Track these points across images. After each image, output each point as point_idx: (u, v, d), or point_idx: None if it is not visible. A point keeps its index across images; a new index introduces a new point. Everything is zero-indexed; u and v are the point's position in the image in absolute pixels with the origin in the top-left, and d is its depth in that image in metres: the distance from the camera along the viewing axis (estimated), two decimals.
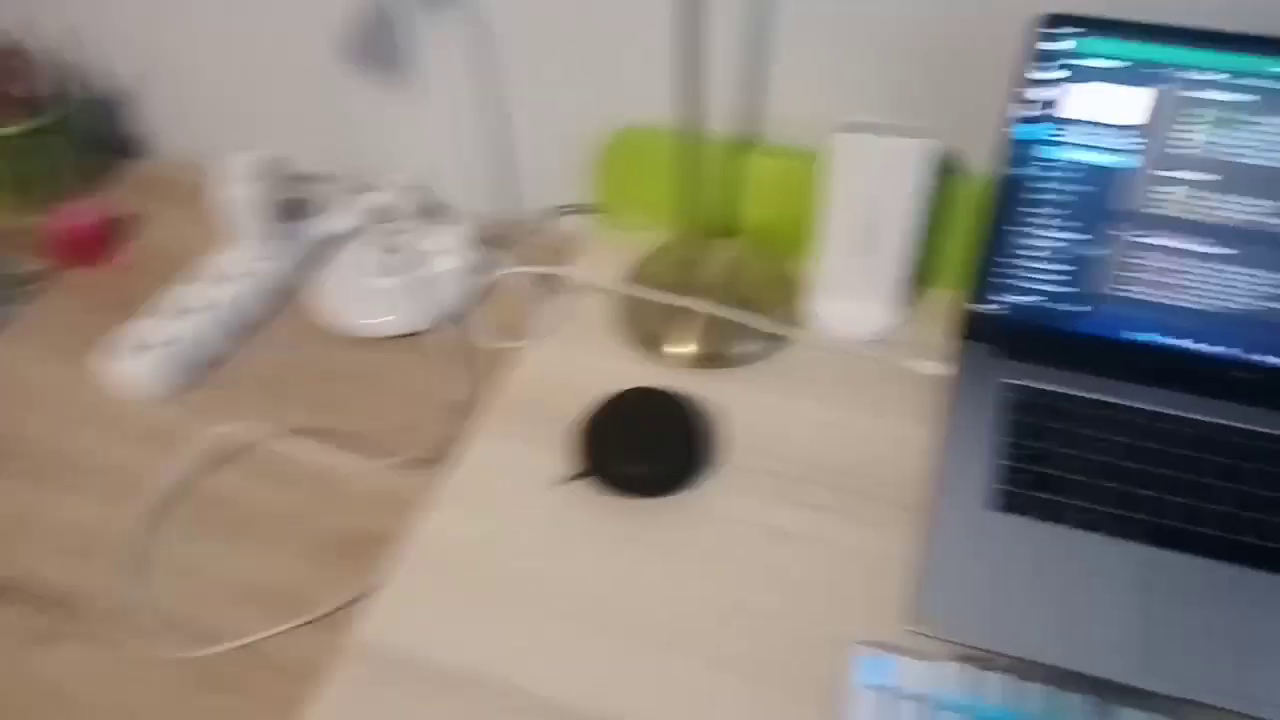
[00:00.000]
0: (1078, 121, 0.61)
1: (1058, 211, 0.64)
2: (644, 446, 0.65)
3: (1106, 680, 0.53)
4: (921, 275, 0.77)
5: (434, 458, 0.69)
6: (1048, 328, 0.69)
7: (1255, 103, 0.58)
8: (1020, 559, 0.59)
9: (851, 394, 0.71)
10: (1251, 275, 0.63)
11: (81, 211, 0.88)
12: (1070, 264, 0.66)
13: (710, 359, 0.73)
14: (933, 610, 0.57)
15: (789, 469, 0.66)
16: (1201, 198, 0.61)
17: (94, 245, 0.88)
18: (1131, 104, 0.60)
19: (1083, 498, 0.61)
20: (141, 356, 0.75)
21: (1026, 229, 0.66)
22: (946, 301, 0.76)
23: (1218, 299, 0.64)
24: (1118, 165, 0.62)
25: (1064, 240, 0.65)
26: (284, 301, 0.83)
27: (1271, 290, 0.63)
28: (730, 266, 0.80)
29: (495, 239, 0.87)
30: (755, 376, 0.73)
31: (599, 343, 0.76)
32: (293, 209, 0.85)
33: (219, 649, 0.60)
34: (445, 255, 0.83)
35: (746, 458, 0.67)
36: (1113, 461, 0.63)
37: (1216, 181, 0.60)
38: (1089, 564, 0.58)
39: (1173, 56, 0.58)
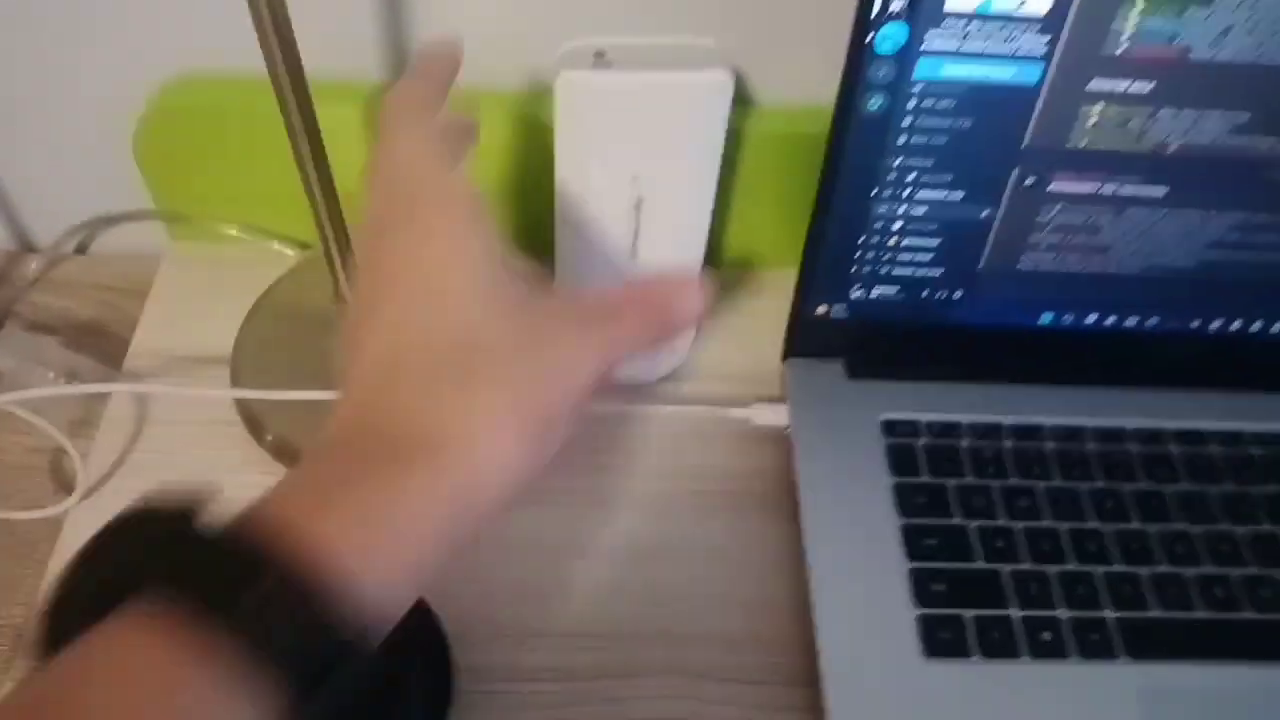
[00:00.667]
0: (954, 16, 0.37)
1: (927, 158, 0.41)
2: None
3: None
4: (724, 271, 0.52)
5: None
6: (922, 325, 0.47)
7: None
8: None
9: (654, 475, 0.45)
10: (1184, 218, 0.43)
11: None
12: (949, 232, 0.44)
13: None
14: None
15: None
16: (1126, 117, 0.40)
17: None
18: None
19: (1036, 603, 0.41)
20: None
21: (884, 188, 0.42)
22: (770, 305, 0.52)
23: (1142, 256, 0.45)
24: (1013, 81, 0.39)
25: (939, 198, 0.42)
26: None
27: (1214, 236, 0.44)
28: None
29: None
30: None
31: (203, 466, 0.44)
32: None
33: None
34: None
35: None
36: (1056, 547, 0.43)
37: (1149, 92, 0.39)
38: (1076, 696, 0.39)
39: None
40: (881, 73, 0.38)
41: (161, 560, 0.21)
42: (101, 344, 0.49)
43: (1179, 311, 0.47)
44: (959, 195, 0.42)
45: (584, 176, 0.38)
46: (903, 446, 0.45)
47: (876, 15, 0.36)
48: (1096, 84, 0.38)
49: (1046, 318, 0.47)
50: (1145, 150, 0.41)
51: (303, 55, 0.38)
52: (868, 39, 0.37)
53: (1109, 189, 0.42)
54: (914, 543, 0.42)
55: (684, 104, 0.38)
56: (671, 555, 0.43)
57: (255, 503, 0.22)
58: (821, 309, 0.46)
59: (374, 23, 0.46)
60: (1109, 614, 0.41)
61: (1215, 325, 0.47)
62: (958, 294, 0.46)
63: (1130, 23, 0.37)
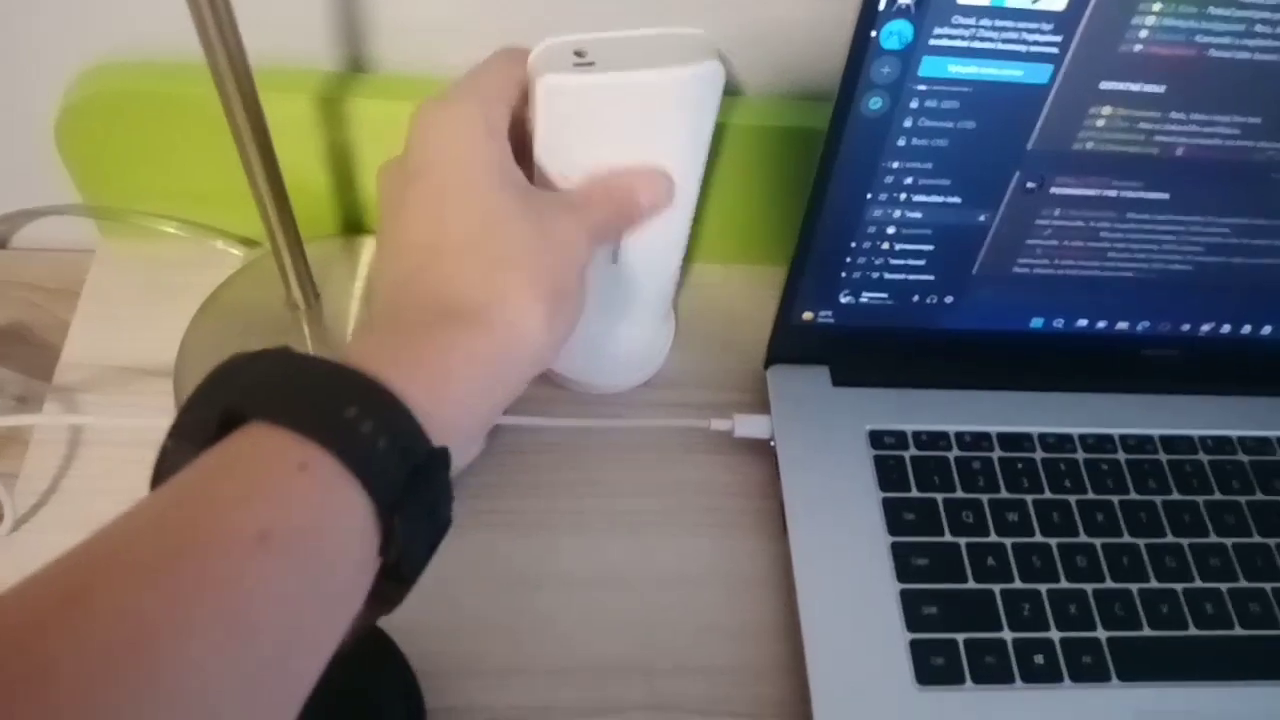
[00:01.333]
0: (965, 11, 0.34)
1: (927, 160, 0.38)
2: None
3: None
4: (705, 268, 0.50)
5: None
6: (910, 330, 0.45)
7: None
8: None
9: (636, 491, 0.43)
10: (1186, 223, 0.41)
11: None
12: (944, 237, 0.41)
13: None
14: None
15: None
16: (1135, 119, 0.37)
17: None
18: None
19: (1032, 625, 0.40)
20: None
21: (880, 191, 0.39)
22: (753, 306, 0.49)
23: (1140, 260, 0.43)
24: (1021, 81, 0.36)
25: (936, 202, 0.40)
26: None
27: (1214, 241, 0.42)
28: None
29: None
30: None
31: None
32: None
33: None
34: None
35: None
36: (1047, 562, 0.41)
37: (1161, 94, 0.37)
38: None
39: None
40: (885, 70, 0.35)
41: (274, 383, 0.24)
42: (26, 353, 0.44)
43: (1172, 315, 0.45)
44: (957, 199, 0.40)
45: (564, 179, 0.35)
46: (890, 459, 0.43)
47: (884, 9, 0.33)
48: (1108, 84, 0.36)
49: (1038, 323, 0.45)
50: (1152, 153, 0.38)
51: (245, 40, 0.34)
52: (873, 34, 0.34)
53: (1112, 192, 0.40)
54: (904, 562, 0.41)
55: (671, 101, 0.35)
56: (653, 582, 0.40)
57: (336, 356, 0.25)
58: (807, 315, 0.44)
59: (323, 3, 0.42)
60: (1101, 634, 0.40)
61: (1206, 328, 0.46)
62: (948, 299, 0.44)
63: (1149, 20, 0.34)
